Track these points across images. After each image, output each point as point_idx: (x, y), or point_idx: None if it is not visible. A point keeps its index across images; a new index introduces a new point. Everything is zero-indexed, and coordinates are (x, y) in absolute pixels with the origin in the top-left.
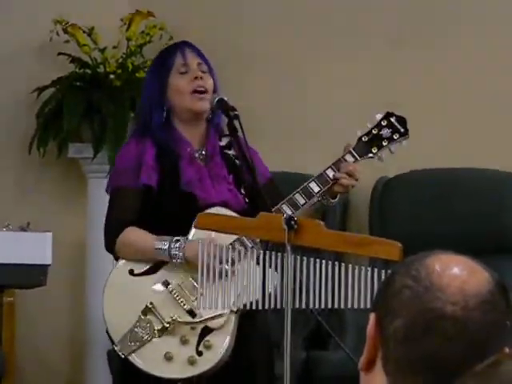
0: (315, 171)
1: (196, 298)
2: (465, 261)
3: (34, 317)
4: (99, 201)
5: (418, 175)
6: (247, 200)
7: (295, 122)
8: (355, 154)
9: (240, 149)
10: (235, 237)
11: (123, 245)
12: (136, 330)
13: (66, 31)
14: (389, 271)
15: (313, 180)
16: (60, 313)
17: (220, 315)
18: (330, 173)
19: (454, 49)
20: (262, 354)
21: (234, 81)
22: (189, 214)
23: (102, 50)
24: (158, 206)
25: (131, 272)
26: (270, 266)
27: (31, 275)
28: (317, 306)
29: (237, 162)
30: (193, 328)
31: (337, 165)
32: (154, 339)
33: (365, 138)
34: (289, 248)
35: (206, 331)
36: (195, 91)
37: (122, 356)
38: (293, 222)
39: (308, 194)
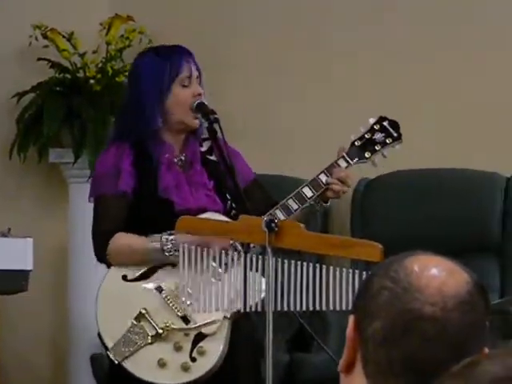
0: (298, 174)
1: (189, 304)
2: (444, 262)
3: (15, 322)
4: (80, 205)
5: (399, 176)
6: (234, 205)
7: (275, 124)
8: (348, 159)
9: (220, 153)
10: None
11: (116, 252)
12: (129, 335)
13: (45, 36)
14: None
15: (306, 185)
16: (42, 318)
17: (214, 321)
18: (323, 178)
19: (442, 49)
20: (247, 357)
21: (213, 84)
22: (166, 219)
23: (82, 55)
24: (135, 211)
25: (124, 278)
26: (252, 270)
27: (12, 281)
28: (298, 309)
29: (219, 166)
30: (186, 334)
31: (330, 169)
32: (147, 345)
33: (358, 143)
34: (269, 250)
35: (200, 337)
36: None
37: (116, 362)
38: (273, 225)
39: (301, 199)
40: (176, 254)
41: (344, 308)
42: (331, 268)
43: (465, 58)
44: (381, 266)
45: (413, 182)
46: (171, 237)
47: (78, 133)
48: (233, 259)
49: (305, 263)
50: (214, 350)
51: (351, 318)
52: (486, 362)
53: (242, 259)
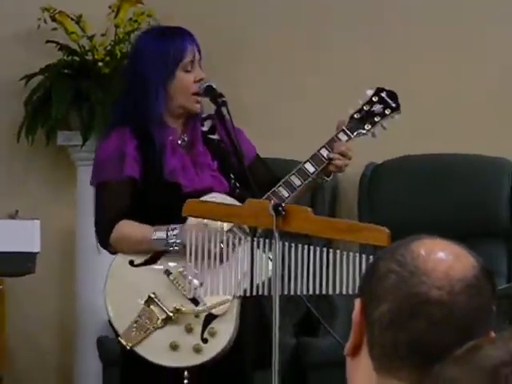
0: (302, 158)
1: (198, 286)
2: (450, 245)
3: (23, 304)
4: (88, 188)
5: (407, 161)
6: (237, 184)
7: (283, 109)
8: (348, 132)
9: (228, 135)
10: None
11: (119, 240)
12: (140, 320)
13: (53, 19)
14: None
15: (307, 161)
16: (49, 300)
17: (223, 301)
18: (324, 152)
19: (447, 36)
20: (255, 338)
21: (223, 68)
22: (174, 203)
23: (91, 38)
24: (142, 197)
25: (131, 263)
26: (259, 250)
27: (19, 263)
28: (305, 292)
29: (222, 145)
30: (197, 316)
31: (330, 144)
32: (158, 329)
33: (357, 116)
34: (276, 234)
35: (210, 318)
36: (197, 93)
37: (128, 347)
38: (280, 208)
39: (303, 175)
40: (179, 247)
41: (351, 292)
42: (338, 252)
43: (468, 44)
44: (387, 250)
45: (420, 166)
46: (175, 231)
47: (86, 115)
48: (240, 240)
49: (312, 247)
50: (225, 331)
51: (357, 302)
52: (489, 346)
53: (249, 240)
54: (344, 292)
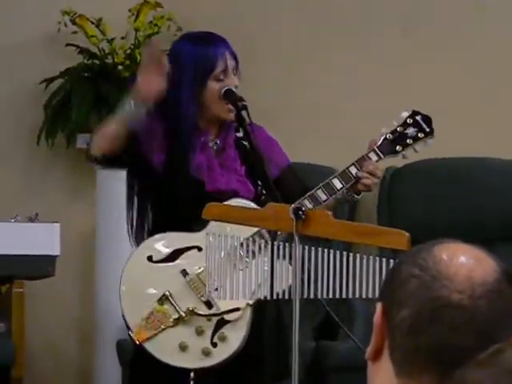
0: (323, 161)
1: (215, 289)
2: (472, 250)
3: (43, 307)
4: (108, 191)
5: (427, 165)
6: (264, 191)
7: (304, 112)
8: (379, 153)
9: (249, 140)
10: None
11: (96, 137)
12: (152, 317)
13: (74, 22)
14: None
15: (335, 176)
16: (69, 303)
17: (237, 308)
18: (353, 170)
19: (475, 37)
20: (272, 342)
21: (245, 71)
22: (197, 199)
23: (110, 41)
24: (165, 188)
25: (149, 258)
26: (279, 257)
27: (39, 266)
28: (325, 296)
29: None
30: (209, 319)
31: (360, 162)
32: (169, 328)
33: (389, 136)
34: (297, 238)
35: (222, 323)
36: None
37: (137, 342)
38: (300, 212)
39: (330, 191)
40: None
41: (371, 296)
42: (358, 256)
43: (494, 49)
44: (408, 254)
45: (440, 170)
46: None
47: (106, 119)
48: (260, 247)
49: (332, 251)
50: (235, 337)
51: (379, 306)
52: None
53: (270, 247)
54: (364, 296)
